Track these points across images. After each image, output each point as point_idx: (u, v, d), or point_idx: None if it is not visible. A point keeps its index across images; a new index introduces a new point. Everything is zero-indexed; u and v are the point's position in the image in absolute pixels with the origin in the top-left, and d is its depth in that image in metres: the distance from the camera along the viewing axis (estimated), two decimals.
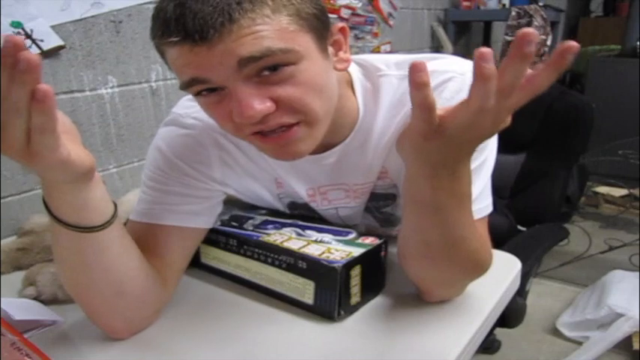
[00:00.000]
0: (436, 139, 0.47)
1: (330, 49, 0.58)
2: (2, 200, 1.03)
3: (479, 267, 0.63)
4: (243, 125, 0.54)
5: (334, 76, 0.59)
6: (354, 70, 0.67)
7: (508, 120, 0.46)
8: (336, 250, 0.66)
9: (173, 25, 0.49)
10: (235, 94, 0.51)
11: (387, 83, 0.66)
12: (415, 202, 0.57)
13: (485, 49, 0.40)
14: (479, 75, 0.41)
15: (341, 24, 0.59)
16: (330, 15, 1.80)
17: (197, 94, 0.54)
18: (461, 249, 0.59)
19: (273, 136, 0.55)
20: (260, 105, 0.51)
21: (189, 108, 0.71)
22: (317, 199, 0.77)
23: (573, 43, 0.39)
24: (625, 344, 1.58)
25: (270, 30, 0.49)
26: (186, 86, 0.53)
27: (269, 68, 0.51)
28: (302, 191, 0.75)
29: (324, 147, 0.67)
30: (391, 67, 0.67)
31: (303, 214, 0.80)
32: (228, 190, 0.75)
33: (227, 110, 0.53)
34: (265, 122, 0.53)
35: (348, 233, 0.73)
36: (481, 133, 0.47)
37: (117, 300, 0.61)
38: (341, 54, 0.59)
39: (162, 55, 0.54)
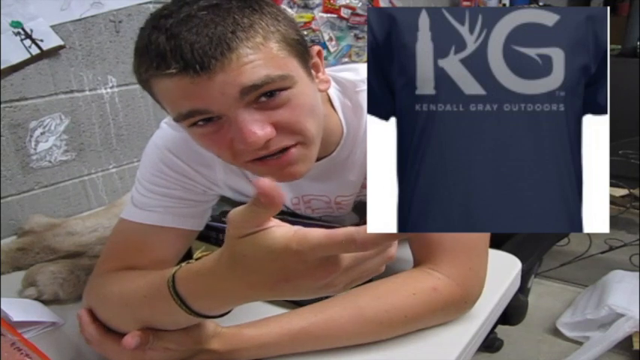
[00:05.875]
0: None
1: (312, 72, 0.59)
2: (2, 200, 1.03)
3: (450, 305, 0.62)
4: (244, 152, 0.54)
5: (319, 97, 0.60)
6: (331, 87, 0.68)
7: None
8: None
9: (170, 56, 0.48)
10: (236, 122, 0.52)
11: (365, 100, 0.66)
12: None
13: None
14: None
15: (317, 47, 0.61)
16: (331, 15, 1.79)
17: (191, 125, 0.54)
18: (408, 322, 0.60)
19: (273, 159, 0.56)
20: (261, 131, 0.52)
21: None
22: (301, 207, 0.79)
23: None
24: (625, 344, 1.58)
25: (265, 57, 0.50)
26: (185, 118, 0.53)
27: (266, 94, 0.52)
28: (287, 199, 0.77)
29: None
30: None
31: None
32: (227, 192, 0.75)
33: (226, 138, 0.54)
34: (267, 147, 0.54)
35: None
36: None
37: None
38: (320, 75, 0.61)
39: (149, 88, 0.54)
